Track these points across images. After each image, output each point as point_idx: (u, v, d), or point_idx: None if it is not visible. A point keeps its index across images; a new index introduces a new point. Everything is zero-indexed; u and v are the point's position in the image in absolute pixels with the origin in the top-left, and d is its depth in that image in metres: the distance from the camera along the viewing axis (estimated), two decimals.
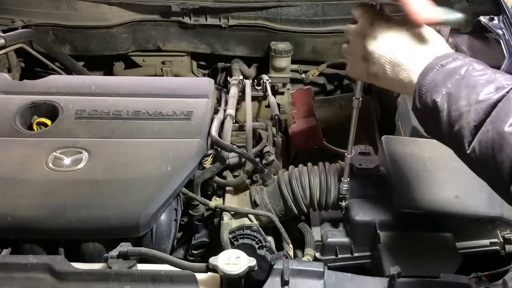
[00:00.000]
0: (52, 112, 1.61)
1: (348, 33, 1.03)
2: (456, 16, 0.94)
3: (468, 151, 0.83)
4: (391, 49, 0.95)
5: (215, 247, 1.39)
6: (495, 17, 2.06)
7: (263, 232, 1.38)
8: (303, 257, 1.40)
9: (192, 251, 1.50)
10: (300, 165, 1.48)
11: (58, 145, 1.45)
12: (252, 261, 1.09)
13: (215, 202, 1.45)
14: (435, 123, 0.87)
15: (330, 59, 2.35)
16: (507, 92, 0.80)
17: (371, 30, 0.97)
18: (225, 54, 2.41)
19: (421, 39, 0.94)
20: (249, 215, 1.43)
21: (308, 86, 2.12)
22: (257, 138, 1.75)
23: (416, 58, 0.93)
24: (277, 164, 1.61)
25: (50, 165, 1.39)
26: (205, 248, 1.50)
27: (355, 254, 1.42)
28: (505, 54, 1.87)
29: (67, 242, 1.32)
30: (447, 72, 0.87)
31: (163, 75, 2.43)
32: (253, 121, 1.72)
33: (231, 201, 1.50)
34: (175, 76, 2.43)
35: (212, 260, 1.09)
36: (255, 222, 1.42)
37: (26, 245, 1.30)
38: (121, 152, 1.46)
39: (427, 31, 0.95)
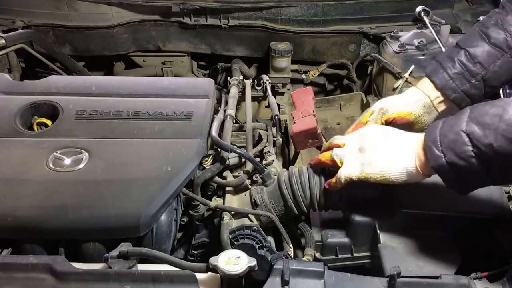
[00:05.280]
0: (52, 112, 1.61)
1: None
2: None
3: None
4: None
5: (215, 247, 1.39)
6: None
7: (263, 232, 1.37)
8: (303, 257, 1.40)
9: (192, 251, 1.50)
10: (300, 165, 1.48)
11: (59, 145, 1.45)
12: (253, 261, 1.09)
13: (215, 202, 1.44)
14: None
15: (330, 59, 2.34)
16: None
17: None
18: (225, 54, 2.41)
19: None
20: (249, 215, 1.43)
21: (308, 86, 2.12)
22: (257, 138, 1.75)
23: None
24: (277, 164, 1.61)
25: (51, 165, 1.39)
26: (205, 248, 1.50)
27: (355, 254, 1.42)
28: None
29: (68, 242, 1.32)
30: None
31: (163, 76, 2.43)
32: (253, 121, 1.72)
33: (231, 201, 1.49)
34: (175, 76, 2.43)
35: (212, 260, 1.09)
36: (255, 222, 1.42)
37: (27, 245, 1.30)
38: (121, 152, 1.46)
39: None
